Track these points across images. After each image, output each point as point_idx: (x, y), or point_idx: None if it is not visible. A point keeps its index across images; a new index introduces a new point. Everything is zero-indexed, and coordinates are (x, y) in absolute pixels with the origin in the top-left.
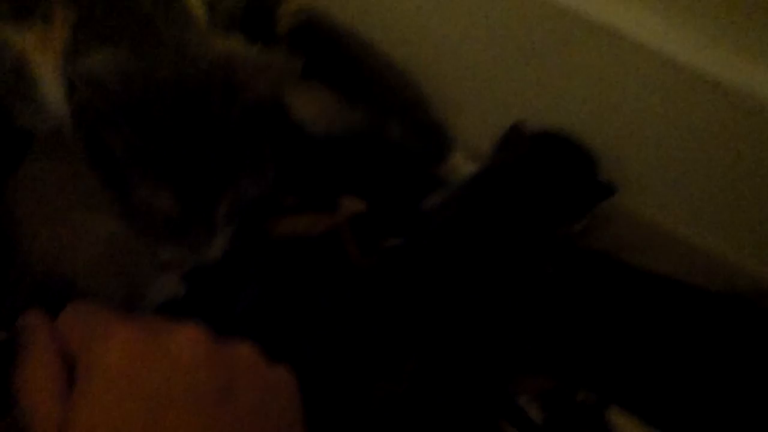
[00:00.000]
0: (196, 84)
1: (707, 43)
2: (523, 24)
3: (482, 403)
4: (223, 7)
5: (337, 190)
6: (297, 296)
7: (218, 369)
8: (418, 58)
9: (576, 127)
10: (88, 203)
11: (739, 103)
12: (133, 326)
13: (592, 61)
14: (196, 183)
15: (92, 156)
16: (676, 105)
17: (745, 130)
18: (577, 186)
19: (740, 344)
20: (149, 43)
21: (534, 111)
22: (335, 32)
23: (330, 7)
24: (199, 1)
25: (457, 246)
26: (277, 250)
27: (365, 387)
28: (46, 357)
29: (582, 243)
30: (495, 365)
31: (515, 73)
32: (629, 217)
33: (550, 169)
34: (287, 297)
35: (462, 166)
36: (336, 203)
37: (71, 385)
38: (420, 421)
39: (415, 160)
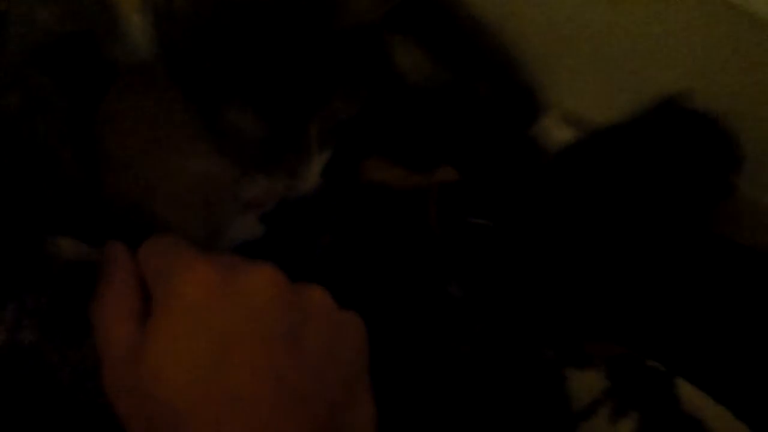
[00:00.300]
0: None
1: None
2: None
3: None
4: None
5: (430, 148)
6: (372, 247)
7: (290, 311)
8: (509, 16)
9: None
10: (174, 139)
11: None
12: (210, 262)
13: (697, 21)
14: (286, 103)
15: (178, 84)
16: None
17: None
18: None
19: None
20: None
21: (631, 75)
22: None
23: None
24: None
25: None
26: (362, 195)
27: (431, 344)
28: (123, 287)
29: None
30: (565, 333)
31: (612, 34)
32: None
33: (688, 151)
34: (362, 247)
35: (553, 129)
36: (433, 167)
37: (146, 316)
38: (482, 381)
39: (504, 121)
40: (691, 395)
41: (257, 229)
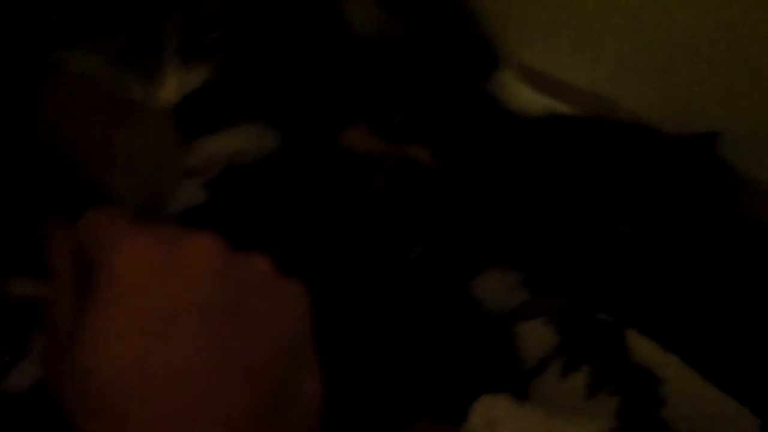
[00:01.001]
0: None
1: None
2: None
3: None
4: None
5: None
6: (321, 206)
7: (230, 280)
8: None
9: (648, 63)
10: (112, 105)
11: None
12: (148, 234)
13: None
14: None
15: None
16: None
17: None
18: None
19: None
20: None
21: (593, 33)
22: None
23: None
24: None
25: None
26: (327, 156)
27: (379, 309)
28: (61, 265)
29: None
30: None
31: None
32: None
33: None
34: (313, 205)
35: (511, 83)
36: (409, 142)
37: (87, 291)
38: (432, 344)
39: (459, 74)
40: (640, 345)
41: (199, 195)
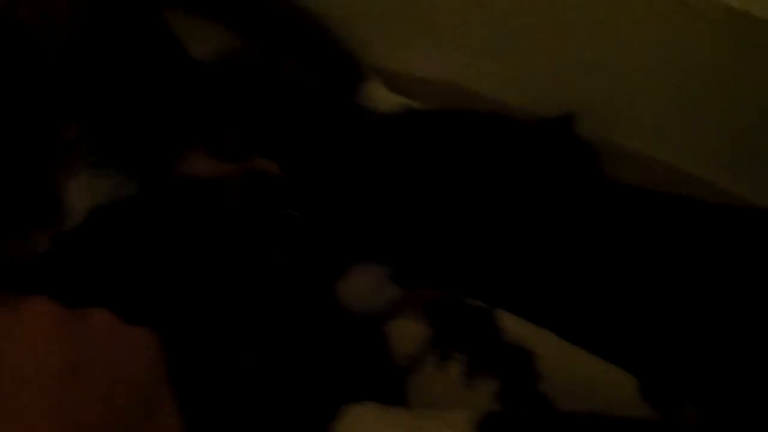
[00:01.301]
0: None
1: None
2: None
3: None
4: None
5: (243, 132)
6: (175, 241)
7: (68, 341)
8: None
9: (519, 53)
10: None
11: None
12: None
13: None
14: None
15: None
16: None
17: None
18: None
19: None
20: None
21: (455, 34)
22: None
23: None
24: None
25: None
26: (168, 189)
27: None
28: None
29: None
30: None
31: None
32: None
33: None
34: (167, 240)
35: (378, 92)
36: (250, 156)
37: None
38: (299, 360)
39: (320, 92)
40: (511, 324)
41: (47, 248)
